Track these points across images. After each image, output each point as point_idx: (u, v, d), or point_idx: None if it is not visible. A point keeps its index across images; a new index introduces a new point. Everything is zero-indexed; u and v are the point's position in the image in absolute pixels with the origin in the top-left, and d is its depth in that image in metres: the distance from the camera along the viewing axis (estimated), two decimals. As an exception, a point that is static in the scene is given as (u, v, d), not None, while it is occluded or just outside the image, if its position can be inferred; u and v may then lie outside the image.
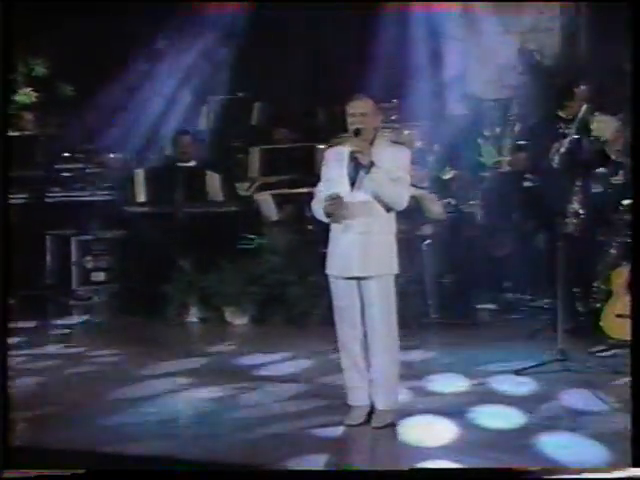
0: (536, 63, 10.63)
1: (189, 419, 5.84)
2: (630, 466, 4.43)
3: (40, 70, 10.54)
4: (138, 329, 8.46)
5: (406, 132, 10.19)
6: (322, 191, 5.39)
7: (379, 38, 10.26)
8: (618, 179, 8.02)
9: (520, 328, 7.72)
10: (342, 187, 5.30)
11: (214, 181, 9.40)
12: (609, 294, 6.96)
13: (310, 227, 8.54)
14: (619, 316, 6.73)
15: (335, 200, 5.24)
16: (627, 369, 4.81)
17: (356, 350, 5.40)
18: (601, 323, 6.92)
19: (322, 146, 9.46)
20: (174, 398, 6.16)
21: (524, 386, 6.16)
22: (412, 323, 7.32)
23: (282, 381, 6.46)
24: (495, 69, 10.59)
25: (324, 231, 5.53)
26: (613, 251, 7.14)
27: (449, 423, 5.43)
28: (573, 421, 5.47)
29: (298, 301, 8.25)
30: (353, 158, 5.30)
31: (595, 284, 7.31)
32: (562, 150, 6.88)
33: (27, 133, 10.33)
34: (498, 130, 10.39)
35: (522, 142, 9.67)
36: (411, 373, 6.26)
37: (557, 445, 5.03)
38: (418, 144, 9.87)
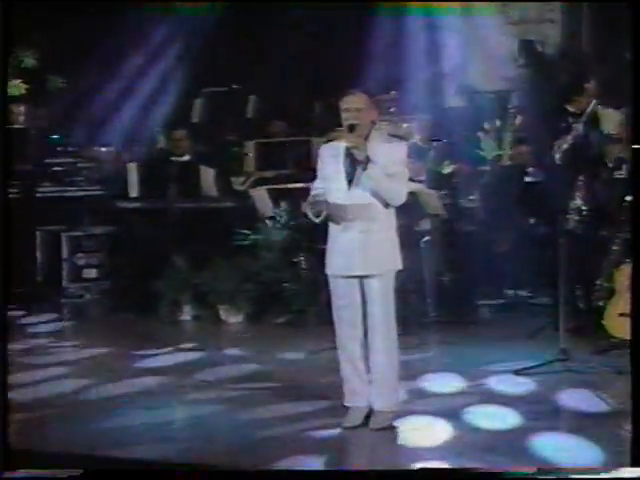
0: (538, 54, 10.61)
1: (184, 421, 5.84)
2: (630, 466, 4.44)
3: (30, 62, 10.50)
4: (130, 327, 8.45)
5: (404, 125, 10.17)
6: (318, 188, 5.39)
7: (377, 29, 10.23)
8: (622, 174, 8.00)
9: (521, 327, 7.72)
10: (339, 184, 5.30)
11: (208, 176, 9.39)
12: (612, 292, 6.95)
13: (307, 223, 8.51)
14: (622, 315, 6.71)
15: (318, 202, 5.23)
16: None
17: (355, 350, 5.40)
18: (604, 322, 6.92)
19: (319, 139, 9.46)
20: (168, 399, 6.15)
21: (524, 387, 6.16)
22: (411, 322, 7.30)
23: (278, 381, 6.45)
24: (495, 60, 10.56)
25: (321, 227, 5.51)
26: (616, 248, 7.12)
27: (447, 424, 5.43)
28: (574, 423, 5.48)
29: (294, 299, 8.25)
30: (349, 154, 5.29)
31: (598, 282, 7.30)
32: (565, 145, 6.87)
33: (16, 126, 10.29)
34: (498, 123, 10.37)
35: (523, 135, 9.69)
36: (409, 373, 6.23)
37: (557, 447, 5.03)
38: (416, 137, 9.84)
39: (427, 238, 8.39)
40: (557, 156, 6.92)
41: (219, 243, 8.83)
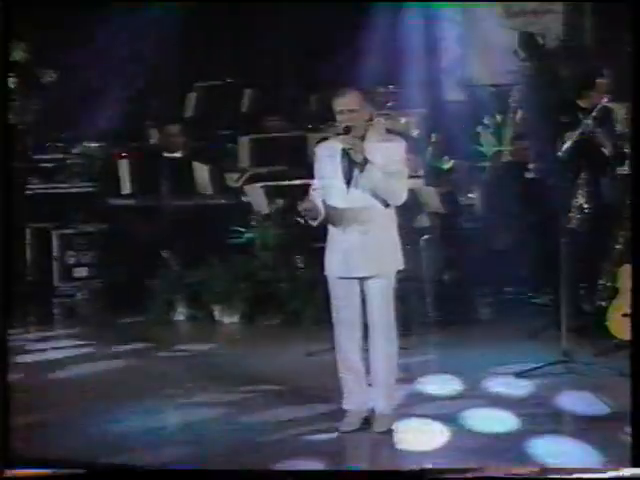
0: (539, 47, 10.60)
1: (180, 426, 5.83)
2: (630, 466, 4.46)
3: (19, 55, 10.46)
4: (122, 327, 8.44)
5: (402, 120, 10.17)
6: (317, 188, 5.39)
7: (375, 22, 10.22)
8: (625, 170, 8.00)
9: (521, 327, 7.71)
10: (337, 185, 5.30)
11: (202, 172, 9.38)
12: (615, 292, 6.95)
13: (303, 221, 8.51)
14: (626, 315, 6.71)
15: (309, 207, 5.23)
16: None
17: (353, 352, 5.41)
18: (607, 323, 6.92)
19: (315, 135, 9.45)
20: (161, 403, 6.14)
21: (525, 389, 6.16)
22: (409, 322, 7.30)
23: (274, 384, 6.44)
24: (495, 53, 10.55)
25: (318, 226, 5.50)
26: (619, 247, 7.12)
27: (446, 428, 5.43)
28: (576, 427, 5.49)
29: (290, 299, 8.24)
30: (346, 155, 5.29)
31: (601, 281, 7.30)
32: (571, 141, 6.87)
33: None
34: (499, 118, 10.37)
35: (524, 131, 9.68)
36: (408, 375, 6.23)
37: (558, 452, 5.03)
38: (415, 132, 9.84)
39: (426, 236, 8.39)
40: (562, 151, 6.91)
41: (213, 241, 8.83)
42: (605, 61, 8.38)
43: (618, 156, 7.30)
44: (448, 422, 5.52)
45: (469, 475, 4.65)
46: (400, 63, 10.20)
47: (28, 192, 10.06)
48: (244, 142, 10.00)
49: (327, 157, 5.37)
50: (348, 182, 5.28)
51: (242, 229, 8.83)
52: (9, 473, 4.56)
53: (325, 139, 5.67)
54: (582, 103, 7.32)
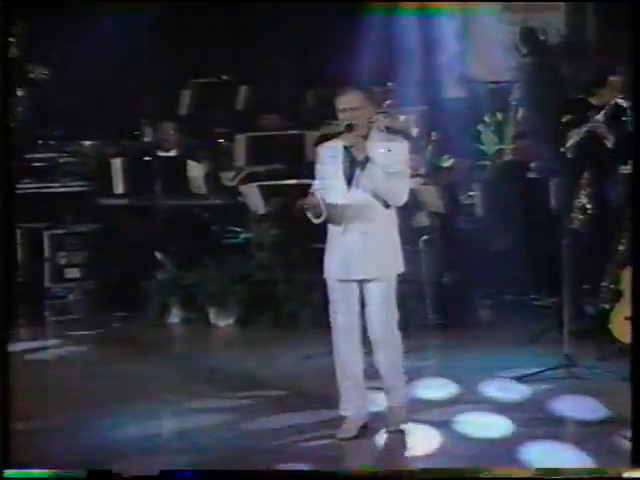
0: (540, 43, 10.59)
1: (175, 431, 5.82)
2: (630, 467, 4.47)
3: (10, 51, 10.43)
4: (115, 330, 8.43)
5: (401, 118, 10.16)
6: (317, 189, 5.39)
7: (374, 18, 10.21)
8: (628, 169, 8.00)
9: (523, 330, 7.70)
10: (338, 184, 5.30)
11: (197, 171, 9.37)
12: (619, 295, 6.94)
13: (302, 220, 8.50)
14: (629, 319, 6.70)
15: (311, 202, 5.23)
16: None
17: (352, 357, 5.41)
18: (610, 326, 6.91)
19: (313, 133, 9.45)
20: (155, 408, 6.13)
21: (526, 394, 6.17)
22: (408, 324, 7.29)
23: (270, 389, 6.44)
24: (496, 49, 10.54)
25: (315, 226, 5.50)
26: (623, 249, 7.11)
27: (445, 433, 5.44)
28: (578, 433, 5.49)
29: (287, 301, 8.23)
30: (348, 154, 5.29)
31: (604, 284, 7.29)
32: (576, 138, 6.87)
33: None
34: (500, 116, 10.37)
35: (526, 129, 9.68)
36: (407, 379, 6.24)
37: (560, 459, 5.02)
38: (414, 130, 9.82)
39: (425, 237, 8.39)
40: (565, 147, 6.91)
41: (208, 242, 8.83)
42: (608, 58, 8.39)
43: (624, 155, 7.29)
44: (447, 427, 5.52)
45: (468, 475, 4.67)
46: (399, 60, 10.18)
47: (19, 192, 10.03)
48: (240, 140, 9.99)
49: (329, 157, 5.38)
50: (349, 181, 5.29)
51: (238, 229, 8.82)
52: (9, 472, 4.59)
53: (326, 138, 5.67)
54: (594, 100, 7.32)
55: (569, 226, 6.96)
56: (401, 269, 5.42)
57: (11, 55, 10.36)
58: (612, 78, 7.31)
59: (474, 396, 6.18)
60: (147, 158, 9.40)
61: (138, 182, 9.37)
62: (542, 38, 10.63)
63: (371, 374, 5.52)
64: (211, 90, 10.87)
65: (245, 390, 6.43)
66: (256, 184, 9.08)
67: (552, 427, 5.56)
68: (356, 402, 5.44)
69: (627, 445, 4.76)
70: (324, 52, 10.28)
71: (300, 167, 8.85)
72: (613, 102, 7.09)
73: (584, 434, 5.44)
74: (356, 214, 5.27)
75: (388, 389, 5.47)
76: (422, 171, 8.90)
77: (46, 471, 4.67)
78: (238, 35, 10.90)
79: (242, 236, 8.77)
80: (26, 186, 10.05)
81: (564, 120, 7.30)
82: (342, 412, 5.49)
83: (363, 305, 5.39)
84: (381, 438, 5.40)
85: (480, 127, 10.11)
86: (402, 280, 5.59)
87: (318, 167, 5.46)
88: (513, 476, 4.66)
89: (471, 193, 9.13)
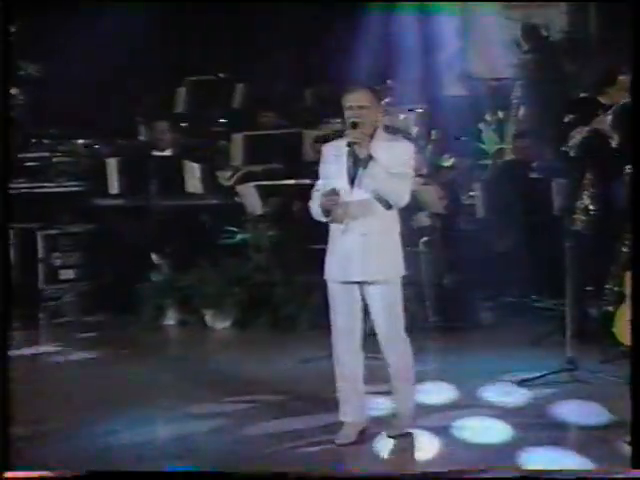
0: (542, 39, 10.58)
1: (171, 436, 5.80)
2: (630, 467, 4.47)
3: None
4: (110, 332, 8.42)
5: (401, 116, 10.15)
6: (320, 189, 5.38)
7: (373, 15, 10.21)
8: (630, 169, 7.99)
9: (524, 333, 7.70)
10: (341, 184, 5.29)
11: (193, 171, 9.35)
12: (622, 297, 6.94)
13: (298, 222, 8.51)
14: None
15: (333, 196, 5.23)
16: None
17: (351, 362, 5.40)
18: (613, 329, 6.90)
19: (311, 131, 9.44)
20: (149, 412, 6.12)
21: (528, 398, 6.15)
22: (408, 327, 7.27)
23: (267, 394, 6.42)
24: (497, 46, 10.54)
25: (314, 226, 5.50)
26: (626, 251, 7.10)
27: (445, 438, 5.43)
28: (580, 437, 5.48)
29: (285, 303, 8.22)
30: (352, 153, 5.28)
31: (607, 286, 7.28)
32: (580, 137, 6.86)
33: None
34: (501, 114, 10.37)
35: (528, 128, 9.68)
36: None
37: (562, 464, 5.02)
38: (414, 129, 9.83)
39: (426, 238, 8.38)
40: (568, 146, 6.89)
41: (205, 243, 8.82)
42: (612, 56, 8.38)
43: (629, 155, 7.29)
44: (448, 432, 5.51)
45: (466, 476, 4.69)
46: (399, 58, 10.18)
47: (12, 192, 10.01)
48: (237, 139, 9.97)
49: (333, 156, 5.38)
50: (352, 181, 5.28)
51: (235, 230, 8.80)
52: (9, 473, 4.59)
53: (325, 139, 5.65)
54: (602, 99, 7.32)
55: (572, 227, 6.94)
56: (402, 272, 5.40)
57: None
58: (622, 77, 7.31)
59: (475, 400, 6.17)
60: (142, 158, 9.39)
61: (133, 182, 9.36)
62: (544, 34, 10.61)
63: (374, 378, 5.51)
64: (208, 88, 10.86)
65: (243, 394, 6.41)
66: (253, 184, 9.08)
67: (554, 432, 5.54)
68: (355, 407, 5.43)
69: (628, 450, 4.75)
70: (322, 50, 10.28)
71: (298, 167, 8.85)
72: (622, 102, 7.08)
73: (587, 439, 5.42)
74: (357, 214, 5.26)
75: (396, 393, 5.45)
76: (423, 171, 8.90)
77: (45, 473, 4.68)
78: (235, 33, 10.89)
79: (239, 237, 8.75)
80: (20, 186, 10.04)
81: (567, 119, 7.29)
82: (341, 417, 5.47)
83: (365, 309, 5.37)
84: (381, 443, 5.38)
85: (481, 126, 10.11)
86: (403, 282, 5.58)
87: (322, 166, 5.46)
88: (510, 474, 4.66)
89: (472, 193, 9.13)
